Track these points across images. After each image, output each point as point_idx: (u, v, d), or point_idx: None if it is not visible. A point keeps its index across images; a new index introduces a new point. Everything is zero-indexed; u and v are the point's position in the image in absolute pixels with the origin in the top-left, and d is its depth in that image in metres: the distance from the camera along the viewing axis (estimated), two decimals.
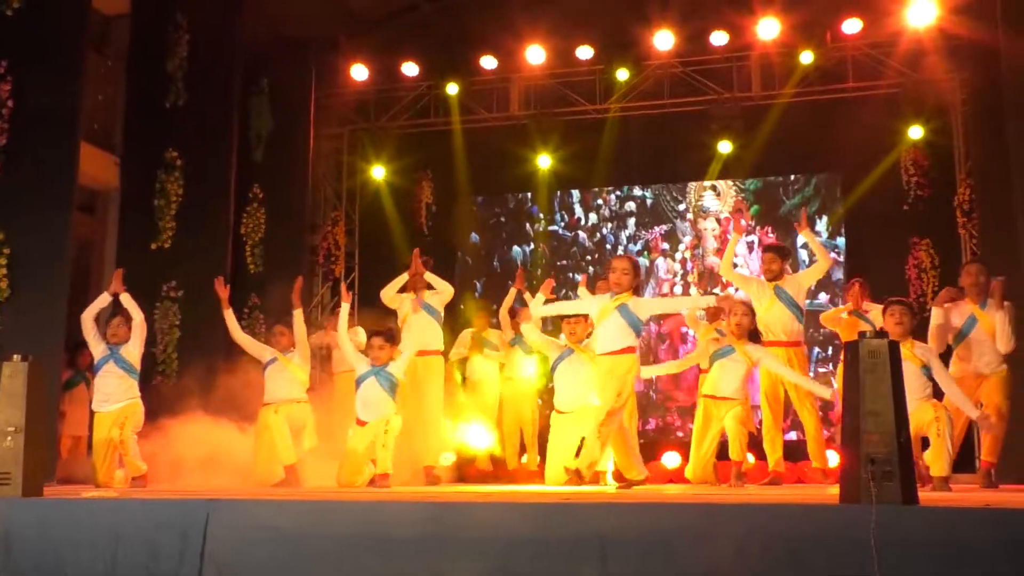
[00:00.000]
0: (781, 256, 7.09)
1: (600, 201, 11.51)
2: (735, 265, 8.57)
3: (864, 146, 10.32)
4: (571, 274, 11.37)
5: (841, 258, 10.70)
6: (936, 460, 5.76)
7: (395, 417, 6.63)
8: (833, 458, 9.04)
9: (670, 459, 9.79)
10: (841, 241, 10.78)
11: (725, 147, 10.79)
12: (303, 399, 7.21)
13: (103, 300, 7.00)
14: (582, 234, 11.57)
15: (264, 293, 9.93)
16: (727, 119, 10.58)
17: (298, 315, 7.20)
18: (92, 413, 6.92)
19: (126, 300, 6.90)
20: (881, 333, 3.82)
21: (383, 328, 6.88)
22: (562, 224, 11.63)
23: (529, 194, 11.78)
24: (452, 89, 10.94)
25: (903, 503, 3.51)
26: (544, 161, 11.33)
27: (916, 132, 10.30)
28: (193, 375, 8.07)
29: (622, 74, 10.65)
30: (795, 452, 7.89)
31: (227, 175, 9.47)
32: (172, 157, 9.51)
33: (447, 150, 11.29)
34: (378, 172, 11.64)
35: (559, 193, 11.72)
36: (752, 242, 10.94)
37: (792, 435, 8.68)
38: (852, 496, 3.59)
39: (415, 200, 11.81)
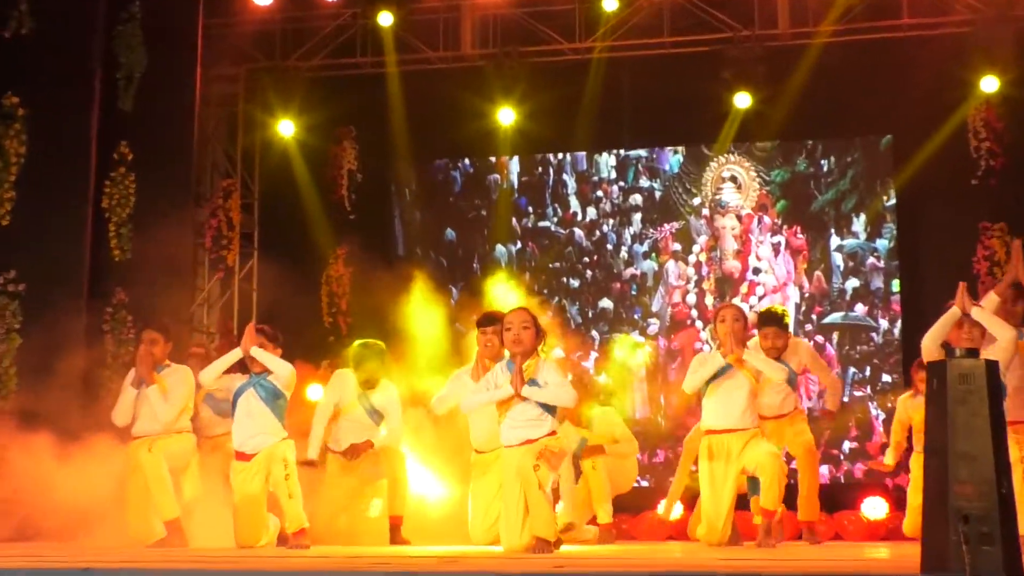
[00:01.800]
0: (783, 328, 7.45)
1: (600, 193, 11.68)
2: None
3: (922, 102, 10.42)
4: (565, 279, 11.58)
5: (881, 262, 10.99)
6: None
7: (285, 444, 6.70)
8: (878, 507, 9.29)
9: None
10: (882, 244, 11.03)
11: (743, 101, 10.86)
12: (185, 429, 7.27)
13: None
14: (578, 232, 11.73)
15: (133, 287, 9.93)
16: (746, 64, 10.64)
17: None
18: None
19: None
20: (973, 351, 3.80)
21: (260, 327, 6.96)
22: (555, 220, 11.78)
23: (492, 159, 11.87)
24: (385, 19, 10.93)
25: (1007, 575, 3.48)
26: (507, 116, 11.31)
27: (990, 84, 10.39)
28: (38, 395, 8.15)
29: (609, 3, 10.72)
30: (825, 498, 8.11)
31: (85, 129, 9.50)
32: (11, 104, 9.48)
33: (378, 100, 11.32)
34: (285, 127, 11.60)
35: (529, 158, 11.83)
36: (779, 243, 11.17)
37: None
38: (938, 565, 3.59)
39: (335, 166, 11.79)
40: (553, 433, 5.94)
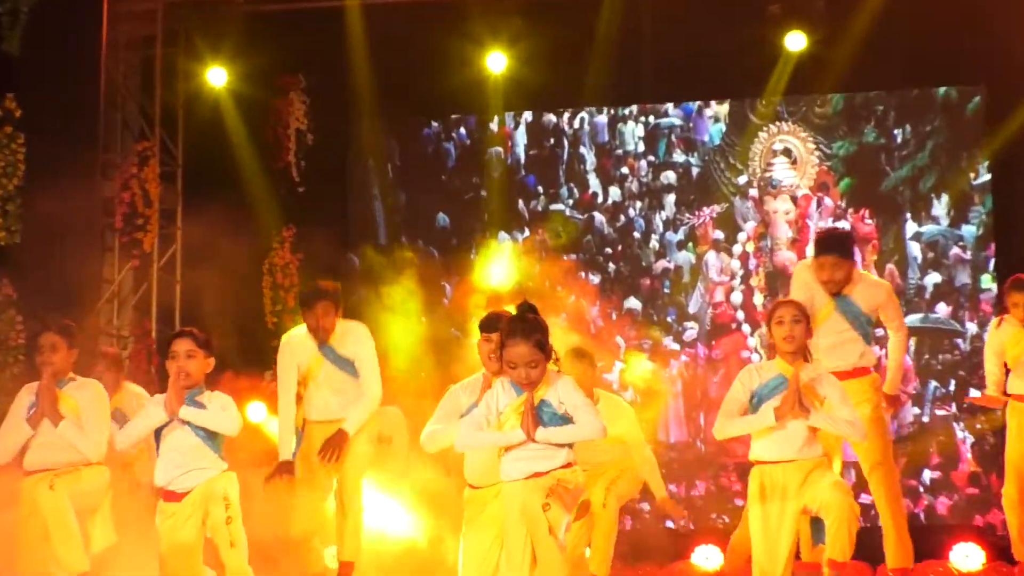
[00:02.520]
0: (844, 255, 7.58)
1: (625, 169, 11.65)
2: None
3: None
4: (583, 273, 11.53)
5: (967, 253, 10.99)
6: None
7: (227, 478, 6.70)
8: (971, 556, 9.27)
9: (706, 557, 9.92)
10: (969, 231, 11.02)
11: (796, 42, 10.85)
12: (95, 460, 7.24)
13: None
14: (599, 216, 11.67)
15: (22, 279, 9.88)
16: None
17: None
18: None
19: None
20: None
21: (188, 330, 6.92)
22: (570, 202, 11.74)
23: (473, 118, 11.83)
24: None
25: None
26: (497, 62, 11.35)
27: None
28: None
29: None
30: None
31: None
32: None
33: (332, 42, 11.31)
34: (216, 76, 11.61)
35: (525, 117, 11.80)
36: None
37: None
38: None
39: (279, 125, 11.80)
40: (568, 465, 5.85)
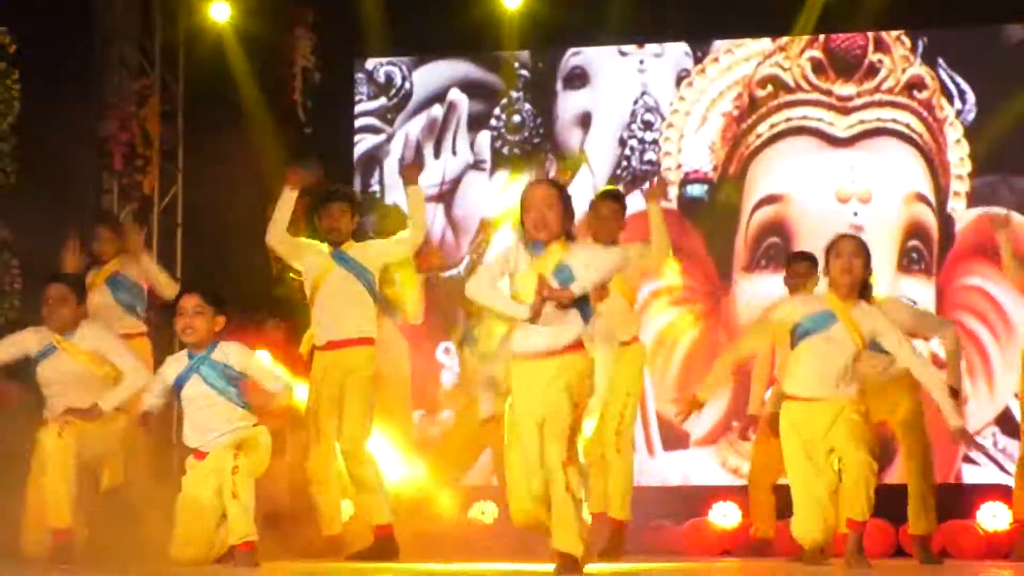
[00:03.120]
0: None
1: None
2: None
3: None
4: None
5: None
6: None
7: (249, 433, 6.75)
8: (998, 516, 9.51)
9: (723, 514, 9.96)
10: None
11: None
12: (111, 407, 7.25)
13: None
14: None
15: (17, 222, 9.73)
16: None
17: None
18: None
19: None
20: None
21: (201, 290, 6.92)
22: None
23: (498, 54, 11.38)
24: None
25: None
26: None
27: None
28: None
29: None
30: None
31: None
32: None
33: None
34: (218, 10, 11.41)
35: (543, 55, 11.36)
36: None
37: None
38: None
39: (285, 62, 11.64)
40: (578, 346, 5.84)
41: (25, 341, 7.31)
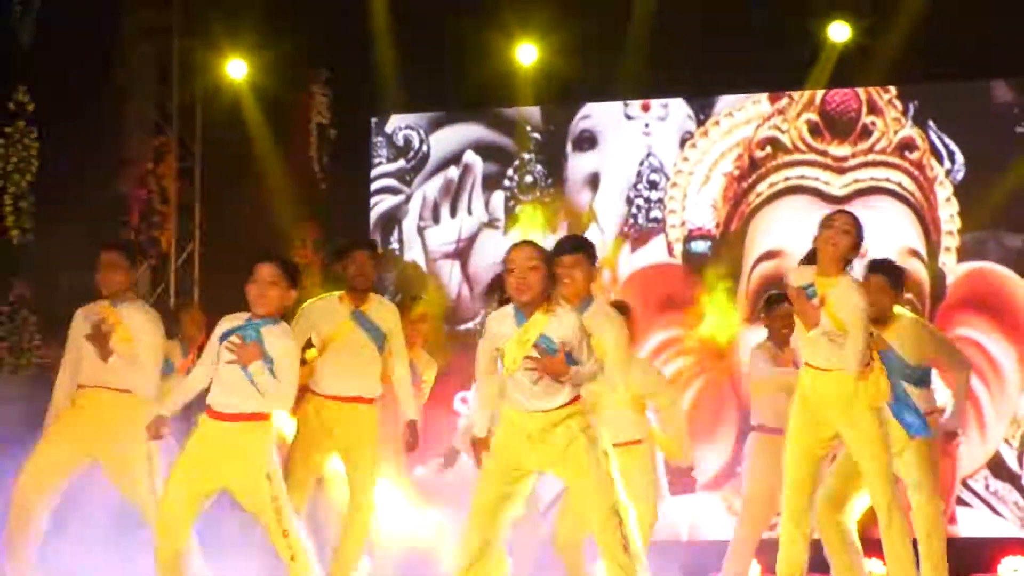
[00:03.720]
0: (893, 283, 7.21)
1: None
2: None
3: None
4: None
5: None
6: None
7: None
8: (1021, 570, 9.25)
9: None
10: None
11: (840, 33, 10.68)
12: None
13: None
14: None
15: (35, 279, 9.89)
16: None
17: None
18: None
19: None
20: None
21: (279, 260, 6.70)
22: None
23: (515, 110, 11.48)
24: None
25: None
26: (527, 54, 11.29)
27: None
28: None
29: None
30: None
31: None
32: None
33: (356, 33, 11.28)
34: (236, 69, 11.53)
35: (554, 117, 11.48)
36: None
37: None
38: None
39: (301, 119, 11.77)
40: (575, 400, 5.80)
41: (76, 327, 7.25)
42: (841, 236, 6.48)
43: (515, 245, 5.91)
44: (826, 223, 6.56)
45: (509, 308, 5.82)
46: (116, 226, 10.99)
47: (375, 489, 7.63)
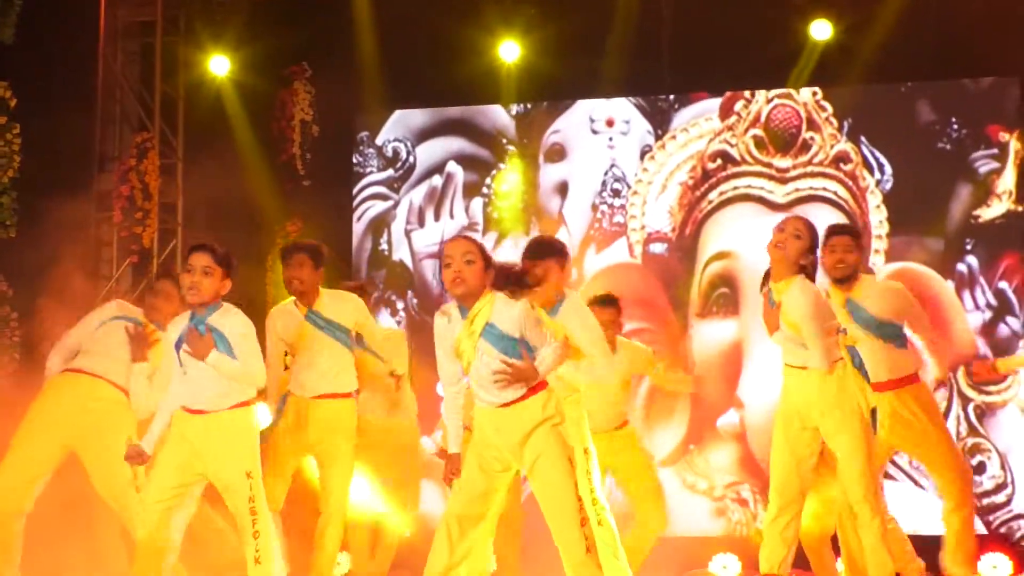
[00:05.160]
0: (857, 241, 7.35)
1: None
2: None
3: None
4: None
5: None
6: None
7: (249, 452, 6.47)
8: (1000, 566, 9.53)
9: (724, 565, 9.97)
10: None
11: (821, 32, 10.79)
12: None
13: None
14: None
15: (16, 275, 9.82)
16: None
17: None
18: None
19: None
20: None
21: (207, 243, 6.64)
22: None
23: (496, 108, 11.67)
24: None
25: None
26: (510, 51, 11.33)
27: None
28: None
29: None
30: None
31: None
32: None
33: (338, 30, 11.30)
34: (218, 65, 11.53)
35: (538, 107, 11.69)
36: None
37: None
38: None
39: (283, 116, 11.70)
40: (538, 388, 5.82)
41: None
42: (791, 240, 6.53)
43: (451, 240, 5.92)
44: (778, 228, 6.61)
45: (449, 307, 5.86)
46: (98, 222, 11.06)
47: (348, 487, 7.61)
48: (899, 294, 7.36)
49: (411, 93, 11.62)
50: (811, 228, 6.63)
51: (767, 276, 6.71)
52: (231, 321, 6.37)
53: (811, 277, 6.69)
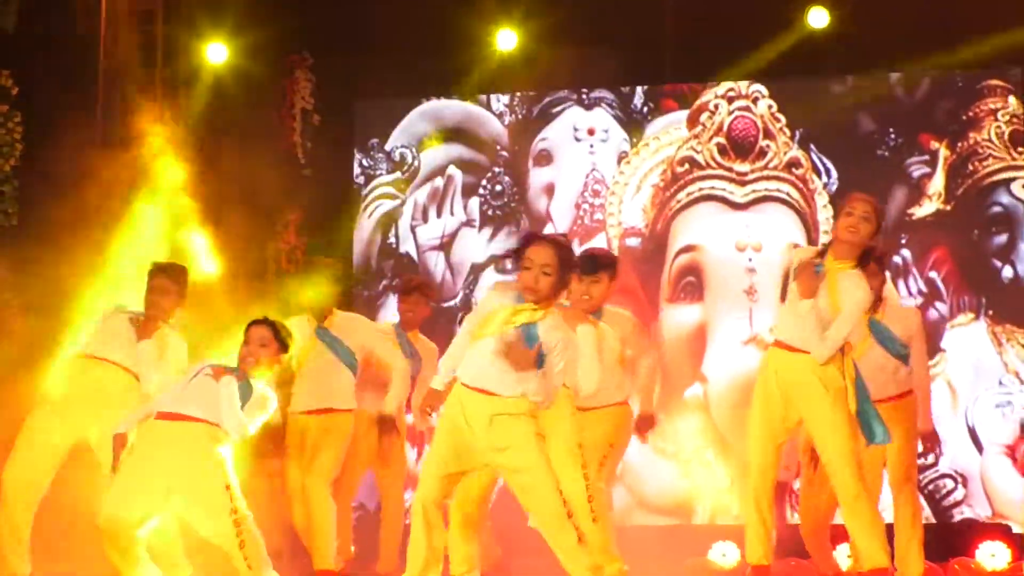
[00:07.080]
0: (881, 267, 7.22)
1: None
2: None
3: None
4: None
5: None
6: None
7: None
8: (997, 554, 9.52)
9: (723, 553, 9.98)
10: None
11: (818, 19, 10.91)
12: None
13: None
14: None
15: (19, 260, 9.66)
16: None
17: None
18: None
19: None
20: None
21: (267, 319, 6.78)
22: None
23: (499, 97, 11.93)
24: None
25: None
26: (507, 40, 11.41)
27: None
28: None
29: None
30: None
31: None
32: None
33: (340, 17, 11.34)
34: (216, 53, 11.48)
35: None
36: None
37: None
38: None
39: (283, 104, 11.77)
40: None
41: None
42: (862, 224, 6.47)
43: (538, 243, 5.73)
44: (846, 212, 6.52)
45: (511, 291, 5.76)
46: (99, 211, 10.68)
47: (325, 492, 7.74)
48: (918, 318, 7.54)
49: (411, 82, 11.71)
50: (878, 209, 6.56)
51: (824, 250, 6.59)
52: (255, 390, 6.51)
53: (879, 261, 6.77)
